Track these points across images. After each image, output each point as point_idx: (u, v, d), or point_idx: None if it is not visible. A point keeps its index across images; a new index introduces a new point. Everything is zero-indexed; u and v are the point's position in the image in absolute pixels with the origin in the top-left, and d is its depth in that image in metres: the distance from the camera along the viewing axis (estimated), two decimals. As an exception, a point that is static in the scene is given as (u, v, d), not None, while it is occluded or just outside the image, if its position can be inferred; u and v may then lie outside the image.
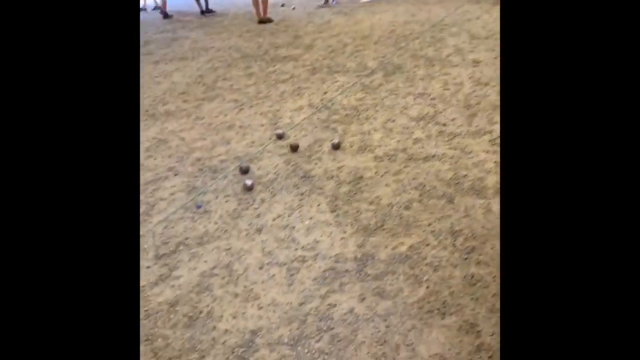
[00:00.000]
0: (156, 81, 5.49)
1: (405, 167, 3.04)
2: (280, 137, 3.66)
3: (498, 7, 7.23)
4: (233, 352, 1.87)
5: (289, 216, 2.67)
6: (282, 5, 9.60)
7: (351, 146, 3.41)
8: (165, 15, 10.46)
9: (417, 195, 2.71)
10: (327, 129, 3.74)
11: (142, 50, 7.21)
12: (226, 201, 2.90)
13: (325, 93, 4.53)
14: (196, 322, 2.03)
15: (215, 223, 2.70)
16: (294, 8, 9.32)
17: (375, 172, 3.02)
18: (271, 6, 8.54)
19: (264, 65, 5.68)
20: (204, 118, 4.24)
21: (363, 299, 2.05)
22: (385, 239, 2.39)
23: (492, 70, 4.53)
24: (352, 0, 8.98)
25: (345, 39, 6.46)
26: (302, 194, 2.87)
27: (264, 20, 8.07)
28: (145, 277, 2.33)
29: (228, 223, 2.68)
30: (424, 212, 2.57)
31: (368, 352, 1.79)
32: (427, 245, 2.32)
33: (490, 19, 6.56)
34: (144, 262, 2.43)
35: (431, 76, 4.58)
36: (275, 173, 3.16)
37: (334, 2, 8.63)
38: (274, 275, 2.25)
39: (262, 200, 2.86)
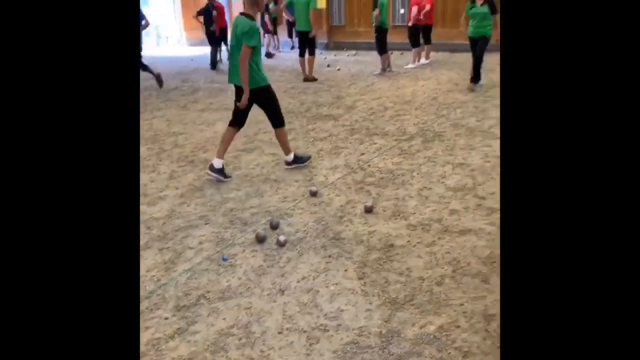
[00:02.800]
0: (199, 129, 5.69)
1: (439, 239, 2.93)
2: (313, 194, 3.64)
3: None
4: None
5: (314, 279, 2.59)
6: (328, 66, 9.95)
7: (384, 211, 3.34)
8: (269, 55, 11.47)
9: (450, 271, 2.58)
10: (361, 191, 3.70)
11: (189, 97, 7.56)
12: (252, 256, 2.85)
13: (363, 154, 4.54)
14: (206, 385, 1.93)
15: (239, 278, 2.65)
16: (339, 69, 9.65)
17: (408, 241, 2.92)
18: (317, 66, 8.87)
19: (304, 122, 5.80)
20: (241, 169, 4.30)
21: (385, 381, 1.90)
22: (414, 315, 2.26)
23: (535, 146, 4.44)
24: (397, 65, 9.21)
25: (387, 102, 6.56)
26: (329, 257, 2.80)
27: (308, 79, 8.36)
28: (162, 328, 2.27)
29: (252, 280, 2.62)
30: (456, 290, 2.43)
31: None
32: (458, 327, 2.17)
33: (535, 94, 6.53)
34: (162, 313, 2.38)
35: (472, 147, 4.52)
36: (304, 231, 3.11)
37: (389, 70, 8.80)
38: (292, 342, 2.14)
39: (289, 259, 2.79)
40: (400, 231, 3.05)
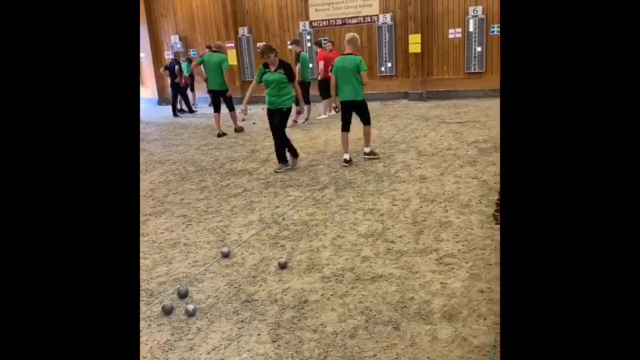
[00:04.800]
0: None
1: (352, 288, 2.94)
2: (225, 255, 3.53)
3: (444, 125, 7.79)
4: None
5: (225, 348, 2.46)
6: (243, 120, 10.01)
7: (299, 265, 3.31)
8: (191, 111, 12.21)
9: (363, 322, 2.58)
10: (276, 246, 3.65)
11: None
12: (159, 330, 2.66)
13: (277, 207, 4.52)
14: None
15: (144, 357, 2.44)
16: (254, 122, 9.74)
17: (322, 295, 2.89)
18: (231, 121, 8.87)
19: (218, 178, 5.71)
20: (148, 235, 4.08)
21: None
22: (327, 374, 2.20)
23: (438, 187, 4.70)
24: (310, 116, 9.48)
25: (301, 153, 6.67)
26: (242, 322, 2.68)
27: (238, 130, 8.62)
28: None
29: (158, 358, 2.43)
30: (369, 340, 2.42)
31: None
32: (372, 381, 2.14)
33: (437, 137, 7.00)
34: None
35: (380, 192, 4.69)
36: (215, 297, 2.97)
37: (306, 122, 9.03)
38: None
39: (199, 330, 2.64)
40: (314, 285, 3.02)
